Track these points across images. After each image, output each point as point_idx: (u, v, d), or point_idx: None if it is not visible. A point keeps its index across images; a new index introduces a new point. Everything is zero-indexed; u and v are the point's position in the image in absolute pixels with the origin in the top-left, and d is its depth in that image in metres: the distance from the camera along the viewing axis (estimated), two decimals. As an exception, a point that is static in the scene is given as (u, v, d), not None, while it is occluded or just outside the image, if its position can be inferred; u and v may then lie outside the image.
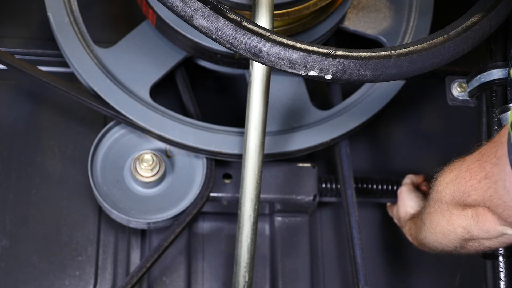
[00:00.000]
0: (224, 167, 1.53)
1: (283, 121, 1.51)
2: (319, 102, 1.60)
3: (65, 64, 1.51)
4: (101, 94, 1.45)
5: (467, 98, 1.35)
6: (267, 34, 1.05)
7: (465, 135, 1.65)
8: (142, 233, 1.58)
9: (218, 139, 1.46)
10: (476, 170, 1.01)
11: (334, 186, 1.57)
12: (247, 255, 1.33)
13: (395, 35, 1.59)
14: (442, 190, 1.09)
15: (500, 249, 1.18)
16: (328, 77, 1.06)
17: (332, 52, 1.06)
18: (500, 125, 1.21)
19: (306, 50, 1.05)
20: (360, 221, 1.48)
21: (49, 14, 1.49)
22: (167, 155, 1.51)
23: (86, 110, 1.60)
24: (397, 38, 1.59)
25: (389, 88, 1.55)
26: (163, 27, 1.46)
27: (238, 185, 1.48)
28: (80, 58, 1.47)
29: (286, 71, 1.06)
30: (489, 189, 0.99)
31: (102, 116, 1.60)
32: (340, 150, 1.54)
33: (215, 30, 1.04)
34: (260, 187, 1.30)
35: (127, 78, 1.49)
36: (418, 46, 1.11)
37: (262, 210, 1.59)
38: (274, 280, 1.58)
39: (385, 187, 1.60)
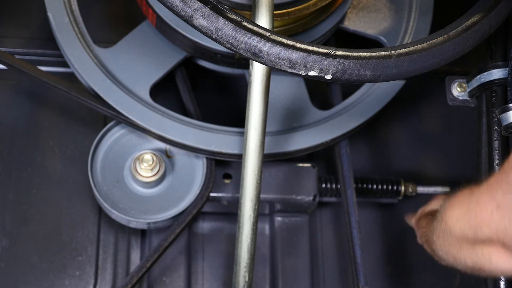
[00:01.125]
0: (224, 167, 1.53)
1: (283, 121, 1.51)
2: (319, 102, 1.60)
3: (65, 64, 1.51)
4: (101, 94, 1.45)
5: (467, 98, 1.35)
6: (267, 34, 1.05)
7: (465, 135, 1.65)
8: (142, 233, 1.58)
9: (218, 139, 1.46)
10: (486, 202, 0.95)
11: (334, 186, 1.57)
12: (247, 255, 1.33)
13: (395, 35, 1.59)
14: (451, 225, 1.03)
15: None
16: (328, 77, 1.06)
17: (332, 52, 1.06)
18: (500, 125, 1.21)
19: (306, 50, 1.05)
20: (360, 221, 1.48)
21: (49, 14, 1.49)
22: (167, 155, 1.51)
23: (86, 110, 1.60)
24: (397, 38, 1.59)
25: (389, 88, 1.55)
26: (163, 27, 1.46)
27: (238, 185, 1.48)
28: (80, 58, 1.47)
29: (286, 71, 1.06)
30: (503, 220, 0.92)
31: (102, 116, 1.60)
32: (340, 150, 1.54)
33: (215, 30, 1.04)
34: (260, 187, 1.30)
35: (127, 78, 1.49)
36: (418, 46, 1.11)
37: (262, 210, 1.59)
38: (274, 280, 1.58)
39: (385, 187, 1.60)
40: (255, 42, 1.04)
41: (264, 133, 1.26)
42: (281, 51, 1.04)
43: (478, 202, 0.97)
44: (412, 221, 1.44)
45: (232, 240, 1.54)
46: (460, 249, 1.04)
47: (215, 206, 1.57)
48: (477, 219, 0.97)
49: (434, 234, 1.12)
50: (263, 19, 1.19)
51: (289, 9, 1.39)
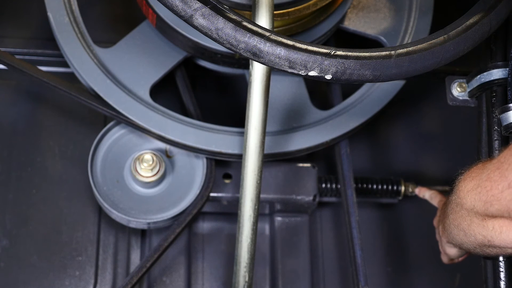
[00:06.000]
0: (224, 167, 1.53)
1: (283, 121, 1.51)
2: (319, 102, 1.60)
3: (65, 64, 1.51)
4: (101, 94, 1.45)
5: (467, 98, 1.35)
6: (267, 34, 1.05)
7: (465, 135, 1.65)
8: (142, 233, 1.58)
9: (218, 139, 1.46)
10: (497, 180, 0.97)
11: (334, 186, 1.57)
12: (247, 255, 1.33)
13: (395, 35, 1.59)
14: (463, 197, 1.06)
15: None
16: (328, 77, 1.06)
17: (332, 52, 1.06)
18: (500, 125, 1.21)
19: (306, 50, 1.05)
20: (360, 221, 1.48)
21: (49, 14, 1.49)
22: (167, 155, 1.51)
23: (86, 110, 1.60)
24: (397, 38, 1.59)
25: (389, 88, 1.55)
26: (163, 27, 1.46)
27: (238, 185, 1.48)
28: (80, 58, 1.47)
29: (286, 71, 1.06)
30: None
31: (102, 116, 1.60)
32: (340, 150, 1.54)
33: (215, 30, 1.04)
34: (260, 187, 1.30)
35: (127, 78, 1.49)
36: (418, 46, 1.11)
37: (262, 210, 1.59)
38: (274, 280, 1.58)
39: (385, 187, 1.60)
40: (255, 42, 1.04)
41: (264, 133, 1.26)
42: (281, 51, 1.04)
43: (488, 179, 0.99)
44: (430, 196, 1.45)
45: (232, 240, 1.54)
46: (471, 223, 1.06)
47: (215, 206, 1.57)
48: (487, 194, 0.99)
49: (448, 208, 1.14)
50: (263, 19, 1.19)
51: (289, 9, 1.39)
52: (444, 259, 1.36)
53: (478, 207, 1.03)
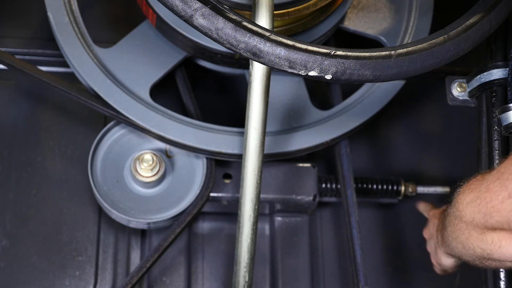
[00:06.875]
0: (224, 167, 1.53)
1: (283, 121, 1.51)
2: (319, 102, 1.60)
3: (65, 64, 1.51)
4: (101, 94, 1.45)
5: (467, 98, 1.35)
6: (267, 34, 1.05)
7: (465, 135, 1.65)
8: (142, 233, 1.58)
9: (218, 139, 1.46)
10: (497, 190, 0.96)
11: (334, 186, 1.57)
12: (247, 255, 1.33)
13: (395, 35, 1.59)
14: (462, 210, 1.04)
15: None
16: (328, 77, 1.06)
17: (332, 52, 1.06)
18: (500, 125, 1.21)
19: (306, 50, 1.05)
20: (360, 221, 1.48)
21: (49, 14, 1.49)
22: (167, 155, 1.51)
23: (86, 110, 1.61)
24: (397, 38, 1.59)
25: (389, 88, 1.55)
26: (163, 27, 1.46)
27: (238, 185, 1.48)
28: (80, 58, 1.47)
29: (286, 71, 1.06)
30: None
31: (102, 116, 1.60)
32: (340, 150, 1.54)
33: (215, 30, 1.04)
34: (260, 187, 1.30)
35: (127, 78, 1.49)
36: (418, 46, 1.11)
37: (262, 210, 1.59)
38: (274, 280, 1.58)
39: (385, 187, 1.60)
40: (255, 42, 1.04)
41: (264, 133, 1.26)
42: (281, 51, 1.05)
43: (488, 190, 0.97)
44: (424, 208, 1.45)
45: (232, 240, 1.54)
46: (470, 236, 1.04)
47: (215, 206, 1.57)
48: (487, 206, 0.98)
49: (446, 220, 1.12)
50: (263, 19, 1.19)
51: (289, 9, 1.39)
52: (437, 270, 1.35)
53: (477, 220, 1.01)
